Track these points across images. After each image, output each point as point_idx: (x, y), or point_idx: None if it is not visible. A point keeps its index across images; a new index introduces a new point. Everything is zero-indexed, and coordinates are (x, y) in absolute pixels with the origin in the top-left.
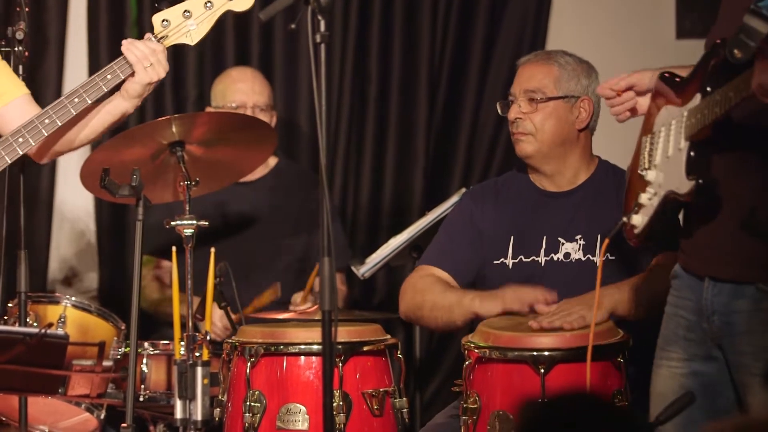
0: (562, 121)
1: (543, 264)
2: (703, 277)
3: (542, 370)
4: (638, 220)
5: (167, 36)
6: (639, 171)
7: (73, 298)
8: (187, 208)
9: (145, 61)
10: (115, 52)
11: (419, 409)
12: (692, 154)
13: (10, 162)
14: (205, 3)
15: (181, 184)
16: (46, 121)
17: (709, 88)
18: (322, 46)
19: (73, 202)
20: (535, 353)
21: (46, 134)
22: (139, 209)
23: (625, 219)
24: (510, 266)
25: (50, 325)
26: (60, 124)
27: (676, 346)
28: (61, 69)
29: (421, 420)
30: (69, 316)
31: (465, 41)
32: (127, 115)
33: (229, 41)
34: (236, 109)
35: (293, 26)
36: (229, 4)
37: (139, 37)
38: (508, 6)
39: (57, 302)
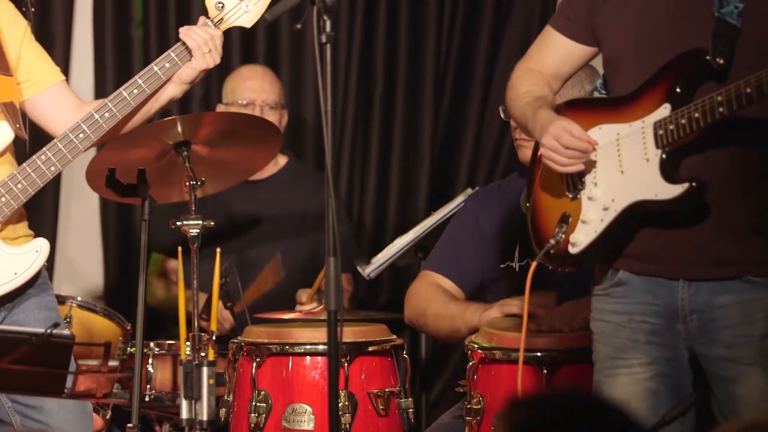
0: None
1: (550, 267)
2: (676, 279)
3: (546, 371)
4: (580, 237)
5: (223, 19)
6: (566, 193)
7: (79, 298)
8: (193, 208)
9: (204, 47)
10: (121, 52)
11: (425, 409)
12: (671, 160)
13: (72, 159)
14: None
15: (187, 184)
16: (106, 114)
17: (678, 91)
18: (328, 46)
19: (79, 202)
20: (539, 354)
21: (107, 128)
22: (144, 209)
23: (552, 241)
24: (517, 269)
25: (56, 325)
26: (120, 118)
27: (636, 351)
28: (67, 68)
29: (426, 420)
30: (75, 316)
31: (470, 42)
32: (174, 100)
33: (235, 41)
34: (246, 107)
35: (299, 26)
36: None
37: (145, 36)
38: (513, 7)
39: (63, 302)
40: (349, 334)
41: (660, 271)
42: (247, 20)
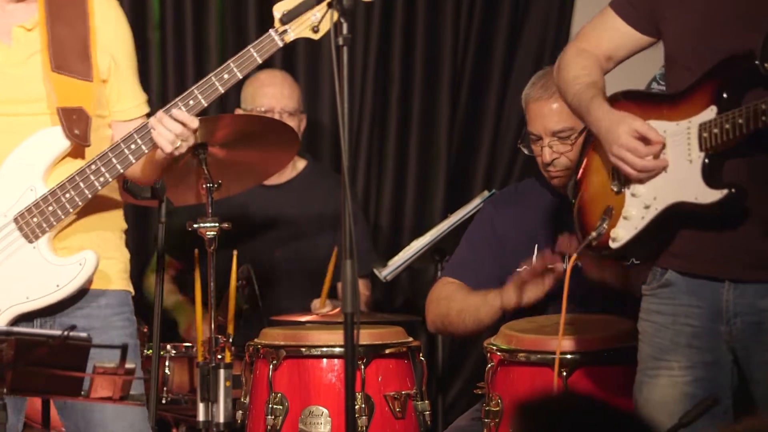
0: None
1: (566, 270)
2: (722, 280)
3: (564, 373)
4: (621, 233)
5: (287, 31)
6: (611, 186)
7: None
8: (210, 211)
9: (175, 142)
10: (138, 55)
11: (441, 411)
12: (714, 164)
13: (122, 171)
14: None
15: (204, 186)
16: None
17: (725, 96)
18: (345, 48)
19: None
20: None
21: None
22: (161, 211)
23: (594, 233)
24: None
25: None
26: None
27: (677, 354)
28: None
29: (443, 423)
30: None
31: (487, 42)
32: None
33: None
34: (265, 113)
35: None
36: None
37: (162, 39)
38: (530, 7)
39: None
40: (366, 336)
41: (705, 270)
42: (315, 32)
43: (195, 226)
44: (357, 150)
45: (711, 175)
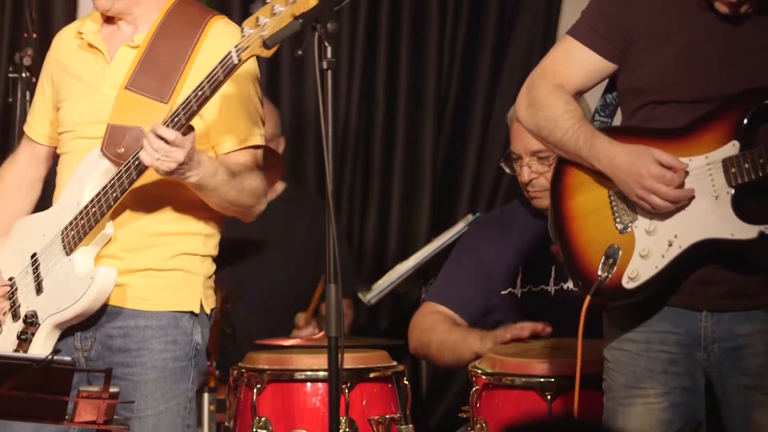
0: None
1: (553, 293)
2: (699, 310)
3: (549, 397)
4: (641, 271)
5: (247, 47)
6: (615, 225)
7: None
8: None
9: (154, 155)
10: None
11: None
12: (744, 199)
13: (128, 187)
14: (272, 8)
15: None
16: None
17: (747, 130)
18: (329, 72)
19: None
20: (542, 380)
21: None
22: None
23: (603, 275)
24: (519, 296)
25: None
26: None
27: (653, 381)
28: None
29: None
30: None
31: (472, 67)
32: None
33: None
34: None
35: (300, 52)
36: (292, 8)
37: None
38: (515, 30)
39: None
40: (350, 360)
41: (682, 302)
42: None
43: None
44: (341, 173)
45: (744, 210)
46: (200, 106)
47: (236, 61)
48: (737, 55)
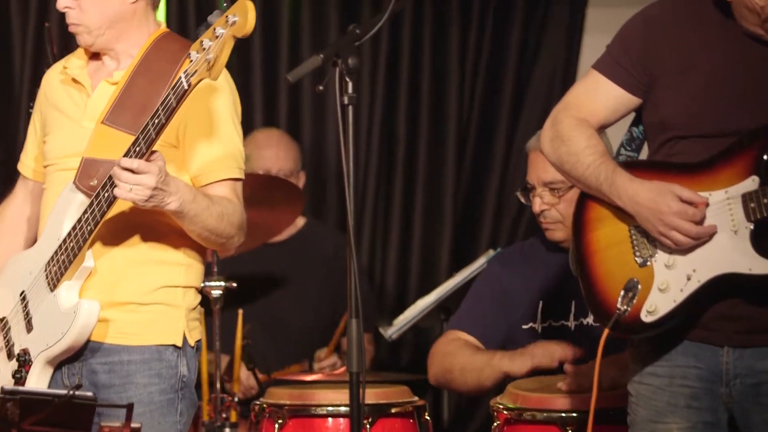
0: None
1: (573, 328)
2: (721, 345)
3: None
4: (659, 305)
5: (195, 72)
6: (634, 258)
7: None
8: (215, 270)
9: (126, 188)
10: None
11: None
12: (763, 234)
13: (100, 219)
14: (214, 31)
15: None
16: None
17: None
18: (350, 107)
19: None
20: (563, 414)
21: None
22: None
23: (623, 308)
24: (539, 330)
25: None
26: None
27: (676, 416)
28: None
29: None
30: None
31: (492, 102)
32: (175, 212)
33: (257, 101)
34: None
35: (321, 87)
36: (232, 30)
37: None
38: (535, 65)
39: None
40: (372, 395)
41: (704, 337)
42: (212, 73)
43: (201, 284)
44: (362, 208)
45: (763, 246)
46: (158, 134)
47: (186, 86)
48: (758, 88)
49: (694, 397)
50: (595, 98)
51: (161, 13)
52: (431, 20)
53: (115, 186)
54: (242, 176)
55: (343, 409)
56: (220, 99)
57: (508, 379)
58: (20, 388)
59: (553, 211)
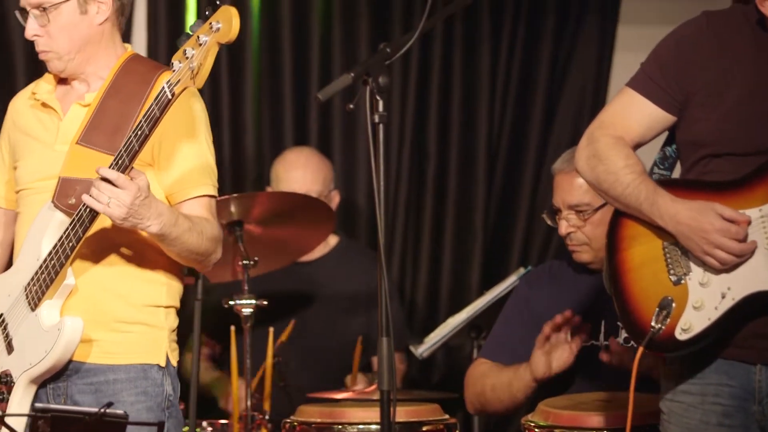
0: None
1: (603, 348)
2: (753, 363)
3: None
4: (694, 323)
5: (178, 81)
6: (669, 276)
7: None
8: (246, 288)
9: (103, 198)
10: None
11: None
12: None
13: (82, 235)
14: (197, 39)
15: (240, 263)
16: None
17: None
18: (381, 125)
19: None
20: None
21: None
22: (198, 288)
23: (657, 326)
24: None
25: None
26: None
27: None
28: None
29: None
30: None
31: (523, 119)
32: (157, 235)
33: (288, 121)
34: None
35: (351, 106)
36: (216, 36)
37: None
38: (566, 83)
39: None
40: (402, 413)
41: (737, 355)
42: (196, 81)
43: (231, 303)
44: (393, 227)
45: None
46: (141, 145)
47: (170, 96)
48: None
49: (726, 415)
50: (631, 116)
51: (191, 14)
52: (462, 38)
53: (92, 201)
54: (216, 193)
55: (374, 427)
56: (192, 116)
57: (540, 392)
58: (51, 406)
59: (579, 233)
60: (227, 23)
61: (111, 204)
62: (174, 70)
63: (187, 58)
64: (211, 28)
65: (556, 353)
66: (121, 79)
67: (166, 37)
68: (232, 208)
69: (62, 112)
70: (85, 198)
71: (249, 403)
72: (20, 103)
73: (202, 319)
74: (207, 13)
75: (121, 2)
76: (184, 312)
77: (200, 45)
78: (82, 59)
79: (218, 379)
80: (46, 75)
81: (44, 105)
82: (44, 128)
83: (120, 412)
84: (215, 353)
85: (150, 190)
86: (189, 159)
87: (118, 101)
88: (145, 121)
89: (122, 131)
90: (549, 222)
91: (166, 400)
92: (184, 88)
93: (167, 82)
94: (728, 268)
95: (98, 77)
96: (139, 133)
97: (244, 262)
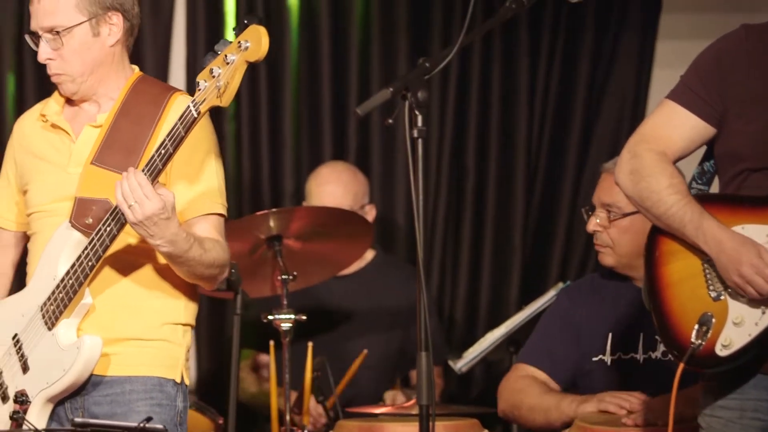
0: (640, 234)
1: (642, 362)
2: None
3: None
4: (734, 339)
5: (204, 100)
6: (708, 293)
7: None
8: (285, 303)
9: (129, 199)
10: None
11: None
12: None
13: (102, 254)
14: (225, 58)
15: (279, 278)
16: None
17: None
18: (419, 141)
19: None
20: None
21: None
22: (237, 303)
23: (697, 341)
24: (609, 363)
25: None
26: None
27: None
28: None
29: None
30: None
31: (562, 133)
32: (168, 255)
33: (327, 135)
34: None
35: (390, 121)
36: (244, 55)
37: (237, 130)
38: (605, 98)
39: None
40: (441, 428)
41: None
42: (222, 99)
43: (270, 317)
44: (432, 241)
45: None
46: (165, 163)
47: (195, 115)
48: None
49: (765, 430)
50: (673, 128)
51: (230, 4)
52: (500, 53)
53: (120, 194)
54: (225, 212)
55: None
56: (202, 135)
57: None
58: (91, 420)
59: (604, 234)
60: (256, 42)
61: (133, 207)
62: (199, 89)
63: (213, 76)
64: (240, 46)
65: (609, 410)
66: (131, 99)
67: (204, 50)
68: (271, 223)
69: (74, 134)
70: (117, 189)
71: (288, 417)
72: (28, 124)
73: (241, 334)
74: (234, 32)
75: (130, 23)
76: (223, 327)
77: (227, 64)
78: (94, 81)
79: (262, 393)
80: (55, 95)
81: (54, 126)
82: (56, 150)
83: (159, 426)
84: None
85: (174, 212)
86: (199, 177)
87: (130, 122)
88: (169, 140)
89: (136, 151)
90: (585, 218)
91: (178, 416)
92: (210, 107)
93: (193, 101)
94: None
95: (109, 98)
96: (163, 152)
97: (283, 276)
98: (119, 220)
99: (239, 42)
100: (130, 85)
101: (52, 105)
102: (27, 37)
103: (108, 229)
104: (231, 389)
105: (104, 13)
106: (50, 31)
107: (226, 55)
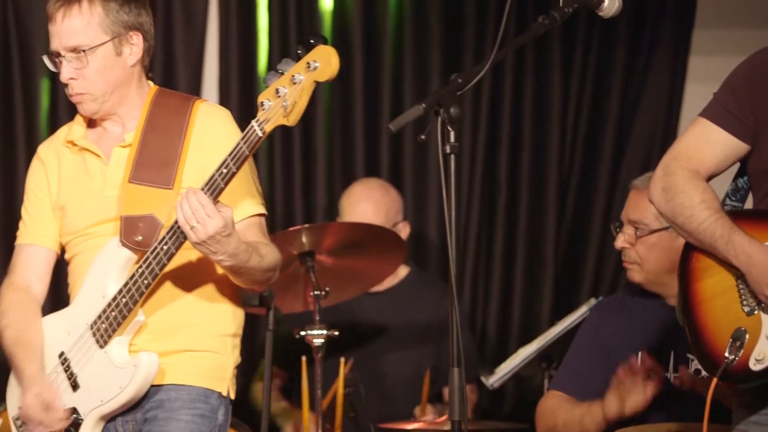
0: (668, 251)
1: (672, 380)
2: None
3: None
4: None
5: (269, 119)
6: (742, 308)
7: None
8: (317, 318)
9: (191, 220)
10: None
11: None
12: None
13: (158, 272)
14: (291, 78)
15: (311, 293)
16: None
17: None
18: (452, 156)
19: None
20: None
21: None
22: (269, 319)
23: (731, 356)
24: None
25: None
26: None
27: None
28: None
29: None
30: None
31: (594, 149)
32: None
33: (359, 151)
34: None
35: (423, 137)
36: (313, 75)
37: (270, 146)
38: (637, 113)
39: None
40: None
41: None
42: (289, 119)
43: (302, 333)
44: (464, 257)
45: None
46: (227, 183)
47: (261, 134)
48: None
49: None
50: (706, 146)
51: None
52: (533, 68)
53: (181, 215)
54: (265, 211)
55: None
56: (234, 138)
57: (611, 427)
58: None
59: (631, 251)
60: (326, 62)
61: (195, 228)
62: (263, 109)
63: (279, 96)
64: (309, 67)
65: (631, 397)
66: (155, 114)
67: (237, 66)
68: (304, 239)
69: (104, 156)
70: (178, 210)
71: None
72: (53, 151)
73: (273, 350)
74: (299, 52)
75: (148, 43)
76: (255, 342)
77: (294, 83)
78: (115, 100)
79: (285, 408)
80: (77, 119)
81: (82, 149)
82: (88, 175)
83: None
84: (284, 383)
85: (234, 227)
86: (239, 179)
87: (158, 135)
88: (231, 159)
89: (170, 163)
90: (614, 234)
91: (217, 428)
92: (275, 127)
93: (256, 121)
94: None
95: (132, 117)
96: (225, 171)
97: (316, 292)
98: (178, 239)
99: (308, 63)
100: (150, 101)
101: (76, 129)
102: (45, 58)
103: (165, 248)
104: (263, 404)
105: (126, 32)
106: (74, 50)
107: (293, 75)
